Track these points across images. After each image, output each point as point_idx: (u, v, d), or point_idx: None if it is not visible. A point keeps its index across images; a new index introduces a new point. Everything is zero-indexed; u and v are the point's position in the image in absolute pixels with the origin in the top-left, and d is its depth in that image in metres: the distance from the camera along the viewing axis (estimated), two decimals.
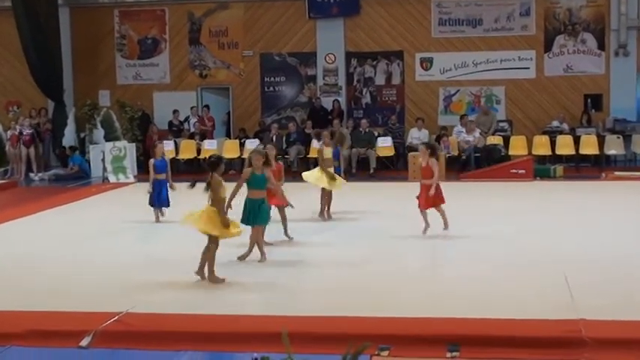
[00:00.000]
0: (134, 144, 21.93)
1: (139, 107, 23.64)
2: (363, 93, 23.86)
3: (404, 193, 17.29)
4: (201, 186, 9.50)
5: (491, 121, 22.35)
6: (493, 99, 23.15)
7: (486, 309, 8.17)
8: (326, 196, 13.81)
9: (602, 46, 22.69)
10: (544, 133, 21.97)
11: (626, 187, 17.59)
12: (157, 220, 13.66)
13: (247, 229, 10.36)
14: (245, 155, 22.03)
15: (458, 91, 23.35)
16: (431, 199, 11.95)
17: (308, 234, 12.52)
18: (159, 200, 13.74)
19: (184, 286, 9.54)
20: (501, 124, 22.57)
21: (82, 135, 22.81)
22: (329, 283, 9.56)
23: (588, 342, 7.23)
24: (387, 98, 23.75)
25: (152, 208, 13.73)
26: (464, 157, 21.13)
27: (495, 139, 21.72)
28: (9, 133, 22.09)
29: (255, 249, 10.54)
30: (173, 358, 7.22)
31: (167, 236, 12.79)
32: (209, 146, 22.32)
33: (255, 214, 10.40)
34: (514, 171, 19.35)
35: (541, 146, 21.49)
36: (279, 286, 9.50)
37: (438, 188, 12.03)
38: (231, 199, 9.91)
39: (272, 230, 11.50)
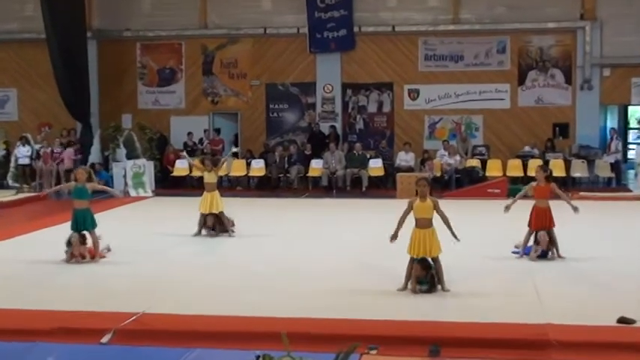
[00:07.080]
0: (152, 162, 21.90)
1: (157, 130, 23.64)
2: (357, 119, 23.85)
3: (392, 210, 17.39)
4: None
5: (468, 147, 22.40)
6: (472, 126, 23.15)
7: (463, 314, 8.17)
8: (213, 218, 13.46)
9: (569, 80, 22.71)
10: (517, 157, 21.96)
11: (589, 206, 17.52)
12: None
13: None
14: (251, 173, 22.22)
15: (441, 119, 23.34)
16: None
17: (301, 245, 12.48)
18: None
19: (196, 289, 9.52)
20: (479, 149, 22.58)
21: (106, 153, 22.79)
22: (323, 288, 9.52)
23: (554, 344, 7.23)
24: (378, 124, 23.74)
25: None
26: (446, 178, 21.14)
27: (474, 162, 21.74)
28: (42, 150, 22.06)
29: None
30: (183, 355, 7.18)
31: (181, 246, 12.76)
32: None
33: None
34: (490, 190, 19.32)
35: (514, 168, 21.47)
36: (279, 291, 9.46)
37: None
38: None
39: None
